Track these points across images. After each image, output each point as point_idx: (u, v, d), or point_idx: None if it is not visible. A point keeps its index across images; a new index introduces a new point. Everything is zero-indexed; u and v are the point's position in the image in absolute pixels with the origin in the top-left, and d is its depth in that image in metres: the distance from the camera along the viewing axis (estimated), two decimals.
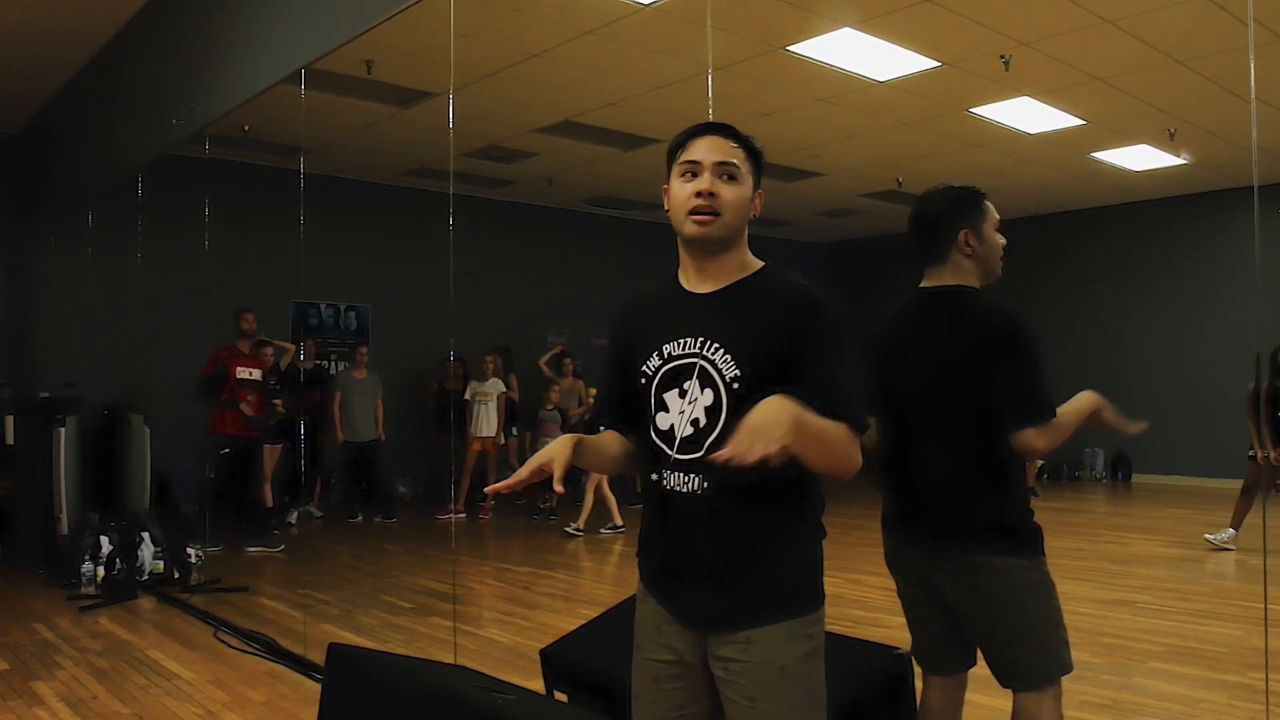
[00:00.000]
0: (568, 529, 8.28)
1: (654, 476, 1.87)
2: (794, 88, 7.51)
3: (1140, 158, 9.69)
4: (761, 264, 1.90)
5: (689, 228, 1.83)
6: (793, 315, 1.77)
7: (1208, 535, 7.29)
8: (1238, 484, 7.14)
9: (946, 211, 2.49)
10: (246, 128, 7.31)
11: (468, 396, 9.58)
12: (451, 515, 8.84)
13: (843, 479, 1.73)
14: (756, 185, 1.88)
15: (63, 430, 7.11)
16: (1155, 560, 7.12)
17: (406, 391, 10.40)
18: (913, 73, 7.13)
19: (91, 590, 6.08)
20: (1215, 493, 10.06)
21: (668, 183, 1.89)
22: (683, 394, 1.83)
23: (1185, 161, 9.74)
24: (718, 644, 1.81)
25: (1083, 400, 2.42)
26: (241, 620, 5.29)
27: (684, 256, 1.91)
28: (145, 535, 6.48)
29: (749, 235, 1.90)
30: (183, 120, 6.04)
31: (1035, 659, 2.34)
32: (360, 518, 9.36)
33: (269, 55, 5.21)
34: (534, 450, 9.39)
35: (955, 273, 2.48)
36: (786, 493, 1.80)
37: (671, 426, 1.84)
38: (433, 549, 7.74)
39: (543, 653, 3.28)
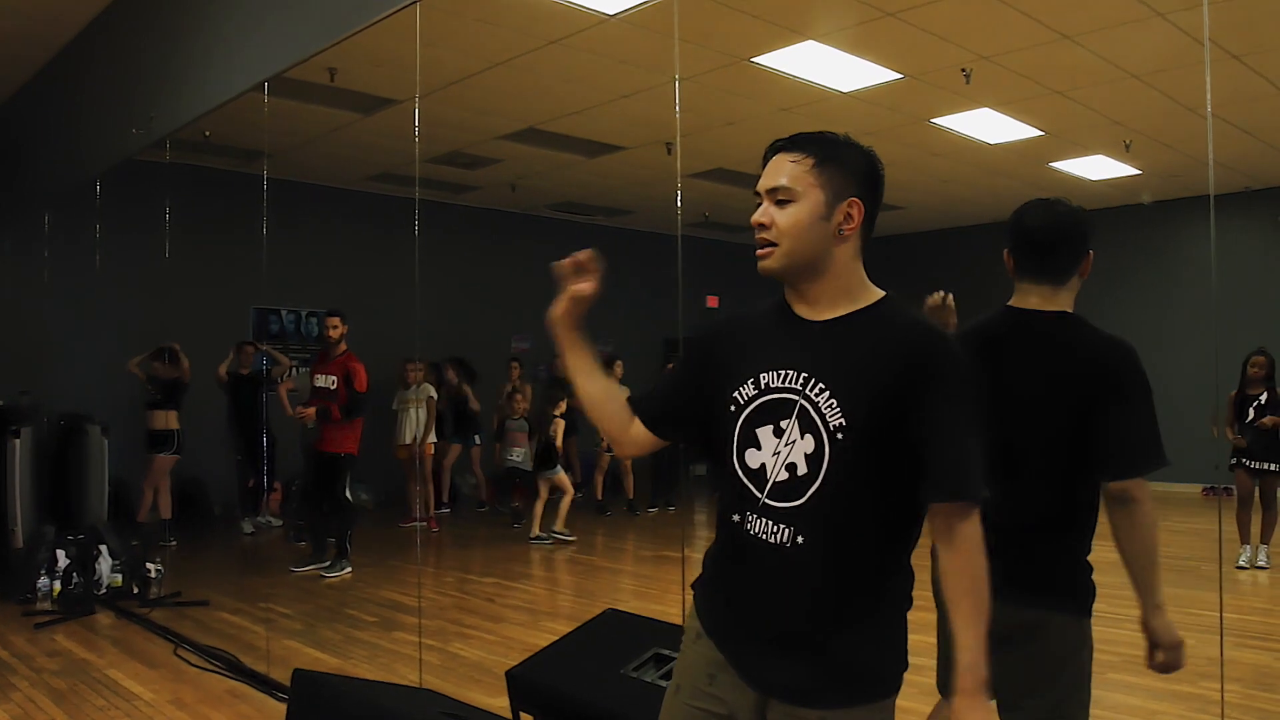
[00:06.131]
0: (532, 540, 8.23)
1: (735, 518, 1.68)
2: (758, 98, 7.54)
3: (1097, 167, 9.86)
4: (882, 294, 1.69)
5: (758, 262, 1.69)
6: (914, 362, 1.57)
7: (1241, 563, 6.90)
8: (1198, 488, 7.15)
9: (1083, 231, 2.26)
10: (208, 133, 7.25)
11: (395, 406, 9.37)
12: (415, 524, 8.76)
13: None
14: (839, 193, 1.67)
15: (18, 441, 6.96)
16: (1113, 568, 7.20)
17: (369, 398, 10.29)
18: (875, 84, 7.19)
19: (47, 606, 5.96)
20: (1176, 497, 10.22)
21: None
22: (778, 433, 1.63)
23: (1140, 173, 9.93)
24: (783, 713, 1.62)
25: None
26: (202, 636, 5.23)
27: None
28: (103, 548, 6.37)
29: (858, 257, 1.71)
30: (142, 130, 5.96)
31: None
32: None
33: (232, 67, 5.15)
34: (500, 458, 9.35)
35: (1069, 297, 2.28)
36: (884, 556, 1.62)
37: (763, 466, 1.64)
38: (394, 559, 7.68)
39: (509, 674, 3.27)
